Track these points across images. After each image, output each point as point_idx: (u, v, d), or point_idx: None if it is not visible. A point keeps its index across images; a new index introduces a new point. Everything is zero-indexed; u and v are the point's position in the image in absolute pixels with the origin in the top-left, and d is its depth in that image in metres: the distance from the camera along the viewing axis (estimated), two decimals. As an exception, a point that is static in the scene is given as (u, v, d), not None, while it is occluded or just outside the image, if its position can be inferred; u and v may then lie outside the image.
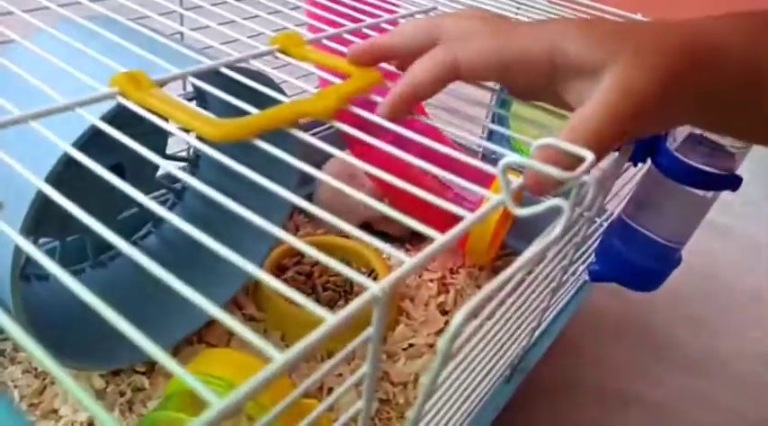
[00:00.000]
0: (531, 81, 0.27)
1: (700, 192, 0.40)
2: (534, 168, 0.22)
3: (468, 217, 0.22)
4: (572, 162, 0.23)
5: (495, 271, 0.63)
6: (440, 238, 0.20)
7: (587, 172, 0.23)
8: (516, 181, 0.24)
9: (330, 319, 0.16)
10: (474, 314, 0.18)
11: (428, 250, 0.20)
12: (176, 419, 0.33)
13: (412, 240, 0.67)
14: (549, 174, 0.22)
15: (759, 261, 0.83)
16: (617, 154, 0.35)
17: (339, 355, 0.18)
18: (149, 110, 0.26)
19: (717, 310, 0.73)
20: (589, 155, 0.23)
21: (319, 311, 0.17)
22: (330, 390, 0.48)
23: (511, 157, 0.22)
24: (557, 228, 0.23)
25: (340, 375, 0.49)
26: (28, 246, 0.18)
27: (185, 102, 0.26)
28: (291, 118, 0.27)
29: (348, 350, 0.18)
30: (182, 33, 0.49)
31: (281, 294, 0.16)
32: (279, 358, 0.15)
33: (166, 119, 0.26)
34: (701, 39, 0.26)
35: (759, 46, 0.26)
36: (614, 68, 0.25)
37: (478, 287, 0.62)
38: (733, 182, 0.38)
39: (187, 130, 0.27)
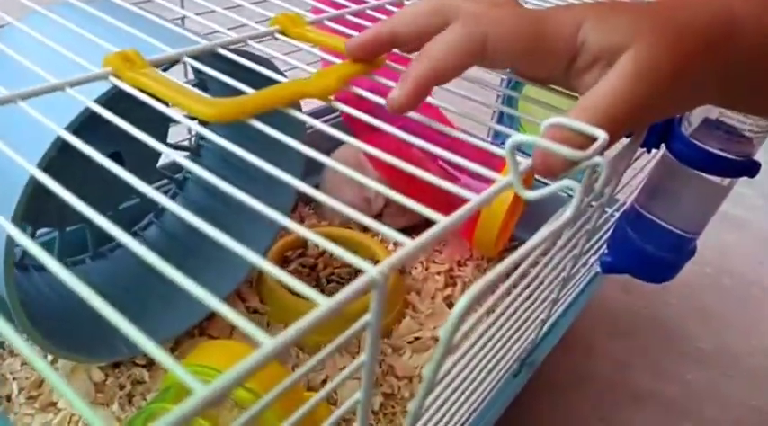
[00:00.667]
0: (550, 67, 0.26)
1: (716, 179, 0.38)
2: (544, 147, 0.21)
3: (474, 199, 0.20)
4: (583, 142, 0.22)
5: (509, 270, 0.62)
6: (443, 221, 0.19)
7: (600, 152, 0.21)
8: (525, 162, 0.23)
9: (324, 303, 0.15)
10: (477, 300, 0.17)
11: (430, 232, 0.18)
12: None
13: (416, 233, 0.66)
14: (560, 154, 0.21)
15: (774, 255, 0.81)
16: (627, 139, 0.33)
17: (336, 342, 0.17)
18: (142, 91, 0.25)
19: (730, 304, 0.71)
20: (602, 135, 0.21)
21: (314, 296, 0.16)
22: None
23: (519, 136, 0.21)
24: (568, 211, 0.21)
25: (344, 368, 0.48)
26: (18, 235, 0.17)
27: (179, 82, 0.25)
28: (289, 98, 0.25)
29: (346, 337, 0.17)
30: (183, 18, 0.48)
31: (283, 286, 0.15)
32: (268, 343, 0.14)
33: (166, 103, 0.25)
34: (718, 16, 0.25)
35: None
36: (630, 51, 0.23)
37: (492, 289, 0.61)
38: (751, 168, 0.36)
39: (191, 118, 0.25)
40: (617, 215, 0.45)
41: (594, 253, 0.45)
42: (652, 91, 0.23)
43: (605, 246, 0.46)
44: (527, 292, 0.30)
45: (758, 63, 0.25)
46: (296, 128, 0.48)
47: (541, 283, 0.31)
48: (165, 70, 0.47)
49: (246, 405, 0.35)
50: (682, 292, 0.71)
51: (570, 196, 0.22)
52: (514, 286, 0.27)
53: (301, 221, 0.65)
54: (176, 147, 0.55)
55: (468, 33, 0.25)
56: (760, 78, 0.26)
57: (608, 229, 0.45)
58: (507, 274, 0.23)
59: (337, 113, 0.70)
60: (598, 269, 0.47)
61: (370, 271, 0.16)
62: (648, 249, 0.42)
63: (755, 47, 0.25)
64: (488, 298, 0.22)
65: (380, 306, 0.17)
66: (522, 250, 0.19)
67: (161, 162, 0.53)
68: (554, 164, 0.22)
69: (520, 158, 0.23)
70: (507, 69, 0.28)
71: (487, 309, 0.25)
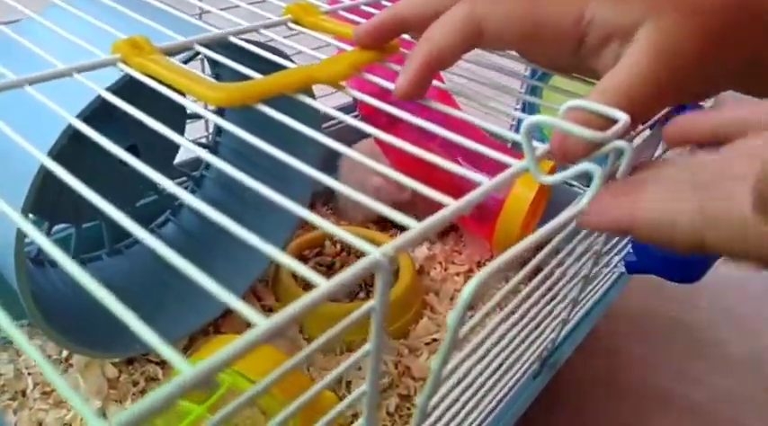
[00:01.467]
0: (557, 49, 0.25)
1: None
2: (562, 129, 0.20)
3: (486, 183, 0.19)
4: (604, 125, 0.20)
5: (525, 264, 0.61)
6: (452, 204, 0.18)
7: (621, 135, 0.20)
8: (543, 147, 0.22)
9: (323, 284, 0.15)
10: (485, 286, 0.16)
11: (437, 216, 0.17)
12: (182, 406, 0.31)
13: (436, 233, 0.65)
14: (580, 136, 0.20)
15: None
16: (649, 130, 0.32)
17: (338, 327, 0.16)
18: (150, 77, 0.24)
19: (759, 306, 0.69)
20: (623, 117, 0.20)
21: (314, 277, 0.15)
22: (348, 384, 0.46)
23: (535, 117, 0.20)
24: (584, 198, 0.20)
25: (360, 368, 0.47)
26: (29, 229, 0.17)
27: (186, 68, 0.25)
28: (298, 83, 0.25)
29: (350, 321, 0.16)
30: (202, 12, 0.47)
31: (298, 285, 0.15)
32: (263, 323, 0.13)
33: (183, 94, 0.24)
34: None
35: None
36: (648, 28, 0.22)
37: (507, 280, 0.60)
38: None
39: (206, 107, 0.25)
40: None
41: (618, 253, 0.43)
42: (675, 70, 0.22)
43: (630, 246, 0.45)
44: (543, 288, 0.29)
45: None
46: (311, 120, 0.48)
47: (559, 279, 0.30)
48: (185, 63, 0.47)
49: (262, 406, 0.34)
50: (709, 295, 0.68)
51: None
52: (529, 280, 0.26)
53: (319, 220, 0.64)
54: (194, 143, 0.55)
55: (464, 16, 0.24)
56: None
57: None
58: (522, 264, 0.22)
59: (355, 113, 0.69)
60: (623, 269, 0.46)
61: (374, 253, 0.16)
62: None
63: None
64: (500, 292, 0.20)
65: (386, 290, 0.16)
66: (533, 236, 0.18)
67: (179, 158, 0.53)
68: (573, 147, 0.21)
69: (537, 144, 0.22)
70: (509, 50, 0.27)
71: (498, 303, 0.24)
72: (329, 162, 0.62)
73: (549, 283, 0.30)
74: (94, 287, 0.14)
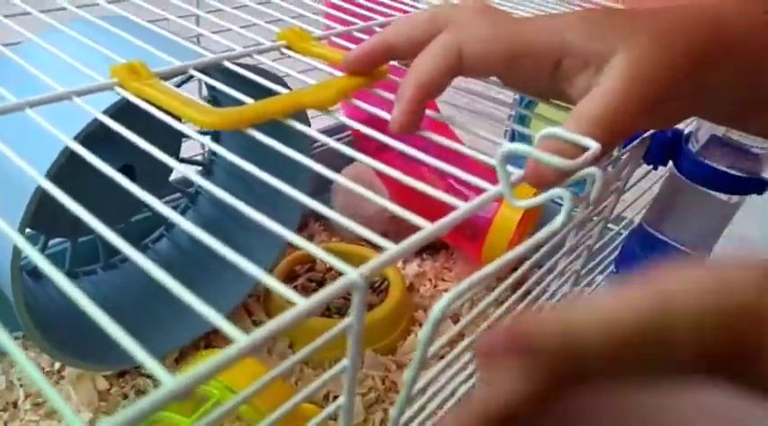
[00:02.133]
0: (534, 74, 0.26)
1: (723, 197, 0.38)
2: (534, 157, 0.21)
3: (462, 207, 0.21)
4: (576, 152, 0.22)
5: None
6: (428, 227, 0.19)
7: (591, 162, 0.21)
8: (518, 173, 0.23)
9: (302, 303, 0.16)
10: (456, 301, 0.17)
11: (414, 238, 0.19)
12: (171, 419, 0.32)
13: (427, 251, 0.66)
14: (551, 164, 0.21)
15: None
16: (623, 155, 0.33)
17: (315, 343, 0.17)
18: (147, 101, 0.26)
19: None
20: (593, 144, 0.21)
21: (292, 296, 0.16)
22: (335, 398, 0.47)
23: (509, 146, 0.21)
24: (558, 218, 0.21)
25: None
26: (24, 245, 0.18)
27: (180, 91, 0.26)
28: (288, 108, 0.26)
29: (328, 337, 0.17)
30: (198, 36, 0.49)
31: (288, 301, 0.15)
32: (242, 339, 0.14)
33: (179, 119, 0.25)
34: (710, 27, 0.25)
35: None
36: (621, 56, 0.23)
37: (498, 301, 0.61)
38: (759, 186, 0.36)
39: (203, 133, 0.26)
40: (624, 233, 0.45)
41: (601, 272, 0.45)
42: (647, 96, 0.23)
43: (613, 265, 0.46)
44: (522, 305, 0.30)
45: (755, 80, 0.25)
46: (302, 143, 0.49)
47: (539, 296, 0.31)
48: (178, 86, 0.48)
49: (245, 418, 0.35)
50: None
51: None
52: (507, 293, 0.27)
53: (311, 237, 0.65)
54: (189, 162, 0.56)
55: (447, 44, 0.25)
56: (757, 99, 0.26)
57: (614, 248, 0.44)
58: (500, 279, 0.23)
59: (348, 132, 0.70)
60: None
61: (351, 274, 0.17)
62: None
63: (749, 60, 0.25)
64: (469, 314, 0.21)
65: (361, 309, 0.17)
66: (510, 254, 0.19)
67: (174, 175, 0.54)
68: (545, 174, 0.22)
69: (513, 169, 0.23)
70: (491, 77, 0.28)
71: (474, 320, 0.25)
72: (323, 179, 0.63)
73: (528, 300, 0.31)
74: (84, 302, 0.15)
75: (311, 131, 0.26)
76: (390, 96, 0.28)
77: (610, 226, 0.40)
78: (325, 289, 0.16)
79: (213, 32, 0.37)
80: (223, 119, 0.24)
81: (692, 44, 0.24)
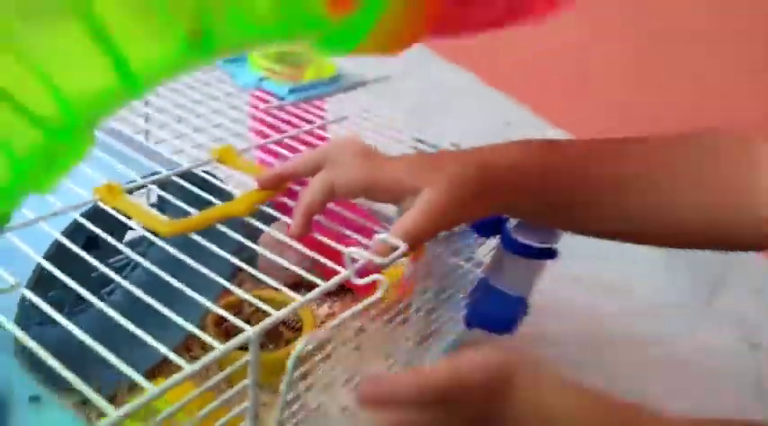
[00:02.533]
0: (388, 198, 0.41)
1: (531, 260, 0.54)
2: (364, 257, 0.36)
3: (323, 285, 0.35)
4: (392, 250, 0.37)
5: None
6: (298, 300, 0.33)
7: (400, 256, 0.36)
8: (361, 261, 0.38)
9: (187, 368, 0.29)
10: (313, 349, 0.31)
11: (288, 308, 0.33)
12: None
13: (338, 294, 0.79)
14: (370, 259, 0.36)
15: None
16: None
17: (214, 379, 0.30)
18: (120, 212, 0.39)
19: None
20: (401, 245, 0.36)
21: (180, 361, 0.30)
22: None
23: (348, 249, 0.36)
24: (377, 292, 0.36)
25: (264, 404, 0.61)
26: (19, 333, 0.31)
27: (145, 206, 0.39)
28: (219, 217, 0.40)
29: (218, 380, 0.31)
30: (147, 131, 0.62)
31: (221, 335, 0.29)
32: (187, 367, 0.28)
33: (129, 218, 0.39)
34: (489, 165, 0.40)
35: (544, 162, 0.41)
36: (427, 190, 0.38)
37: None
38: (550, 254, 0.52)
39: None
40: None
41: (450, 312, 0.60)
42: (439, 215, 0.38)
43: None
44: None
45: (512, 205, 0.42)
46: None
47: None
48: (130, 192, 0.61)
49: None
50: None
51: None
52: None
53: (240, 284, 0.78)
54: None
55: (323, 180, 0.40)
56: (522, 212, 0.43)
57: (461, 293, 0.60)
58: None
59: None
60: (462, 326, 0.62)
61: (248, 331, 0.30)
62: (491, 308, 0.57)
63: (504, 194, 0.41)
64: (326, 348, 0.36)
65: (256, 362, 0.31)
66: (336, 320, 0.33)
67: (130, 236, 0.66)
68: (374, 265, 0.37)
69: (357, 256, 0.38)
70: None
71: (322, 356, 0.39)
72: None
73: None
74: (32, 344, 0.28)
75: (231, 232, 0.40)
76: (291, 202, 0.43)
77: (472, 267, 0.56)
78: (218, 349, 0.30)
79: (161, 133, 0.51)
80: (174, 227, 0.38)
81: (468, 183, 0.39)
